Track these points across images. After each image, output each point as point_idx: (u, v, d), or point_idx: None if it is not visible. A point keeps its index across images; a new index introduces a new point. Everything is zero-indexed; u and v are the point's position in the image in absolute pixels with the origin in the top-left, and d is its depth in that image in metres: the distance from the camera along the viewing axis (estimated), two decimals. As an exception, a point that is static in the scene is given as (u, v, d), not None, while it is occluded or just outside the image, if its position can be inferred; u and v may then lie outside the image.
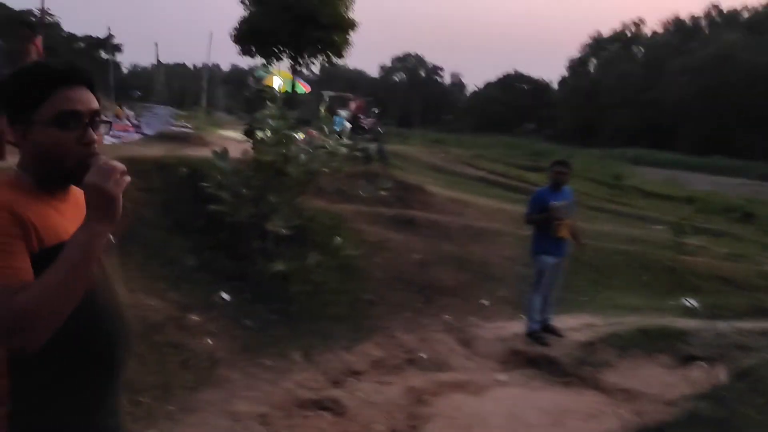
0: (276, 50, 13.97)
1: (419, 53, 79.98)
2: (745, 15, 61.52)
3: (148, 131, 10.29)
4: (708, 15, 66.04)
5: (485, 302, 6.76)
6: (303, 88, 22.82)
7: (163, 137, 10.84)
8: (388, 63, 79.86)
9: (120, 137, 9.42)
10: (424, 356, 5.44)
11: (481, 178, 17.75)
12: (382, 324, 5.86)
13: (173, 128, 12.07)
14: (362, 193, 6.42)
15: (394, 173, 12.42)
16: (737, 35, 53.09)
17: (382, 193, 7.23)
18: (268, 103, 5.55)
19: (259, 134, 5.29)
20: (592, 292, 7.61)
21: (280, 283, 5.40)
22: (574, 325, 6.33)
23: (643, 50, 67.80)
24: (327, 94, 27.25)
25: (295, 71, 14.93)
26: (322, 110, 19.34)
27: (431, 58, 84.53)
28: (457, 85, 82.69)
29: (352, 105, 19.18)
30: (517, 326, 6.17)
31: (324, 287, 5.83)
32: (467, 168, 19.86)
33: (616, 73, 61.00)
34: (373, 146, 14.61)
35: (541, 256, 5.74)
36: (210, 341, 4.23)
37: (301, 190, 6.21)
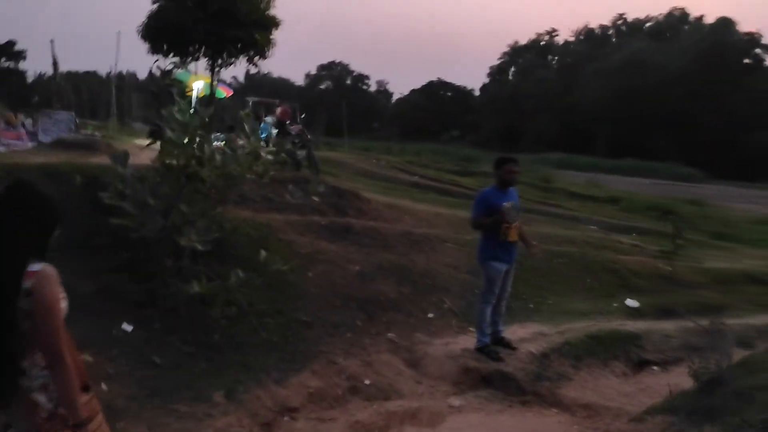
0: (191, 49, 12.93)
1: (345, 61, 79.26)
2: (648, 24, 64.93)
3: (45, 138, 9.16)
4: (615, 24, 69.27)
5: (431, 315, 6.21)
6: (223, 92, 21.68)
7: (64, 145, 9.72)
8: (314, 71, 78.93)
9: (9, 145, 8.26)
10: (369, 383, 4.82)
11: (414, 183, 17.35)
12: (319, 348, 5.18)
13: (77, 135, 10.89)
14: (291, 198, 5.73)
15: (326, 179, 11.78)
16: (643, 43, 55.84)
17: (314, 198, 6.58)
18: (177, 98, 4.76)
19: (168, 134, 4.50)
20: (539, 299, 7.24)
21: (197, 309, 4.63)
22: (525, 336, 5.89)
23: (557, 58, 70.29)
24: (251, 99, 26.22)
25: (214, 73, 13.94)
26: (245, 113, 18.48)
27: (357, 66, 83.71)
28: (384, 92, 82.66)
29: (278, 111, 18.39)
30: (466, 340, 5.66)
31: (251, 310, 5.10)
32: (400, 173, 19.43)
33: (533, 80, 62.83)
34: (301, 152, 13.92)
35: (491, 262, 5.25)
36: (106, 387, 3.42)
37: (219, 198, 5.44)
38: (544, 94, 59.34)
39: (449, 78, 78.73)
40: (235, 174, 4.78)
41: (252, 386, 4.35)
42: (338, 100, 40.28)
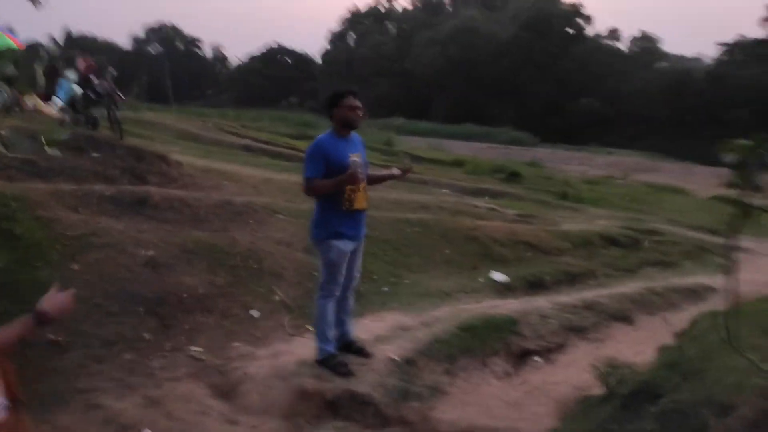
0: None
1: (175, 24, 72.72)
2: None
3: None
4: (451, -8, 70.68)
5: (256, 314, 4.59)
6: (13, 43, 17.92)
7: None
8: (142, 34, 71.51)
9: None
10: (152, 436, 3.12)
11: (245, 146, 15.35)
12: (75, 385, 3.36)
13: None
14: (7, 151, 3.73)
15: (134, 142, 9.55)
16: (475, 11, 57.41)
17: (50, 151, 4.58)
18: None
19: None
20: (394, 278, 5.94)
21: None
22: (382, 332, 4.52)
23: (395, 24, 70.47)
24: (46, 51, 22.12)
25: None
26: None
27: (189, 30, 77.12)
28: (219, 58, 77.65)
29: (81, 65, 15.32)
30: (304, 347, 4.13)
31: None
32: (229, 136, 17.24)
33: (371, 46, 62.35)
34: (101, 111, 11.49)
35: (332, 241, 3.72)
36: None
37: None
38: (383, 60, 59.02)
39: (289, 43, 75.68)
40: None
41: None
42: (169, 64, 36.62)
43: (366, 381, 3.69)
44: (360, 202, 3.75)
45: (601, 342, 5.06)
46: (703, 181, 23.44)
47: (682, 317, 5.91)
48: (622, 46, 49.63)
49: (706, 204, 16.84)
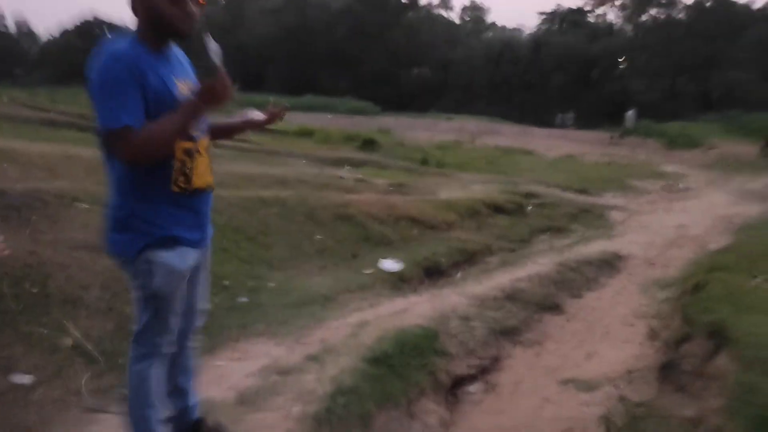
0: None
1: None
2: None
3: None
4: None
5: (27, 379, 2.71)
6: None
7: None
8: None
9: None
10: None
11: (47, 120, 12.37)
12: None
13: None
14: None
15: None
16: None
17: None
18: None
19: None
20: (253, 283, 4.29)
21: None
22: (247, 383, 2.89)
23: (225, -5, 66.37)
24: None
25: None
26: None
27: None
28: (28, 34, 68.05)
29: None
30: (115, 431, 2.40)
31: None
32: (29, 111, 13.98)
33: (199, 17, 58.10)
34: None
35: (157, 254, 1.96)
36: None
37: None
38: (213, 31, 54.89)
39: (108, 14, 68.02)
40: None
41: None
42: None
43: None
44: (202, 176, 2.03)
45: (540, 345, 3.89)
46: (543, 142, 24.26)
47: (607, 295, 5.05)
48: (454, 15, 50.76)
49: (555, 163, 17.03)
